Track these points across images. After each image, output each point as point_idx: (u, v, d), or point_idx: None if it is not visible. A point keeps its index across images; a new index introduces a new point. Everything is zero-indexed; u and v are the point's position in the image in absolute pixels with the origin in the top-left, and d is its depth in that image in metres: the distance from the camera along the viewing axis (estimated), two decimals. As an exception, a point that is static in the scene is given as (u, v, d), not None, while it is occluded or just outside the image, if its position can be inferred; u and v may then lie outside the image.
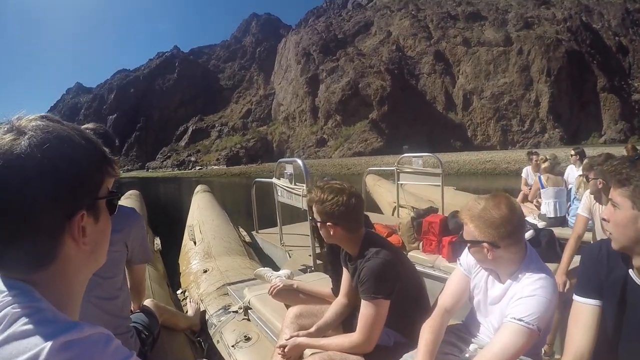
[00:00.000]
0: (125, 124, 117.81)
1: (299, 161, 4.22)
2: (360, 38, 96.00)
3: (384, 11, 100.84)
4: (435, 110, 75.17)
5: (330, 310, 2.30)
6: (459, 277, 1.92)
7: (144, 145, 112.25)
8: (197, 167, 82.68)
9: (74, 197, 0.67)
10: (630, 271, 1.51)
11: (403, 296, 1.88)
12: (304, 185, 4.00)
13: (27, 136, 0.62)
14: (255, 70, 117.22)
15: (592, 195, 3.15)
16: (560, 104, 68.33)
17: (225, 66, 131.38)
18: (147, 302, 2.58)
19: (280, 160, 4.88)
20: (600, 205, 3.05)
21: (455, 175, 30.10)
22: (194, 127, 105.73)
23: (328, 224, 2.01)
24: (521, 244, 1.67)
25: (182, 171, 79.67)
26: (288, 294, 2.77)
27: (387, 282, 1.84)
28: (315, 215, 2.07)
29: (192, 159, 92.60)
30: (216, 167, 77.70)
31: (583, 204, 3.26)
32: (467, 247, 1.75)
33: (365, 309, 1.86)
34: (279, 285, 2.76)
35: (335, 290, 2.53)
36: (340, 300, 2.30)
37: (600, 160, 3.16)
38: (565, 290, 2.85)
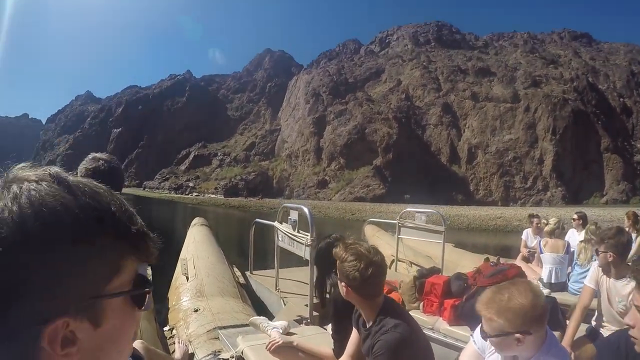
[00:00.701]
0: (128, 139, 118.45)
1: (305, 209, 4.16)
2: (371, 84, 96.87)
3: (396, 60, 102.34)
4: (439, 161, 75.16)
5: None
6: (473, 356, 1.89)
7: (144, 163, 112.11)
8: (195, 194, 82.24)
9: (44, 299, 0.49)
10: None
11: None
12: (309, 234, 3.88)
13: (9, 206, 0.49)
14: (264, 104, 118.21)
15: (600, 268, 3.10)
16: (564, 162, 68.64)
17: (234, 97, 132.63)
18: (137, 345, 2.35)
19: (285, 204, 4.85)
20: (608, 278, 3.02)
21: (465, 230, 29.96)
22: (196, 153, 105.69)
23: (342, 284, 2.01)
24: (545, 325, 1.66)
25: (179, 195, 79.19)
26: (286, 351, 2.69)
27: (402, 357, 1.82)
28: (337, 270, 2.07)
29: (191, 184, 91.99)
30: (213, 195, 77.14)
31: (590, 275, 3.22)
32: (488, 339, 1.68)
33: None
34: (278, 342, 2.69)
35: (337, 352, 2.50)
36: None
37: (611, 234, 3.07)
38: None
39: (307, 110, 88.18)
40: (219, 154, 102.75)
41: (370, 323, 2.02)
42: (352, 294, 2.01)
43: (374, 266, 1.95)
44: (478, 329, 1.84)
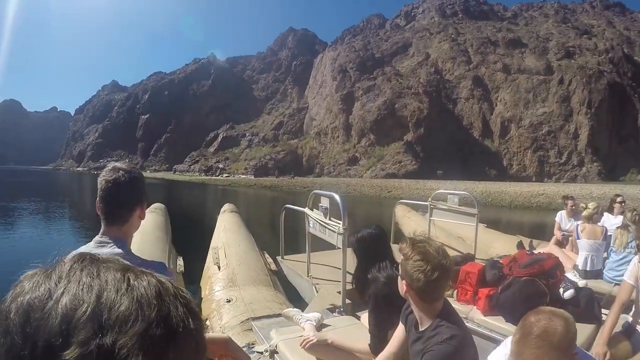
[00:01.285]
0: (156, 125, 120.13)
1: (337, 197, 4.00)
2: (398, 58, 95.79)
3: (423, 33, 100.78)
4: (472, 136, 74.06)
5: None
6: None
7: (173, 147, 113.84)
8: (225, 175, 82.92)
9: None
10: None
11: None
12: (341, 222, 3.80)
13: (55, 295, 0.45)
14: (290, 83, 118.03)
15: None
16: (600, 137, 66.75)
17: (259, 77, 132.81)
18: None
19: (316, 191, 4.70)
20: None
21: (498, 206, 29.22)
22: (224, 135, 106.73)
23: (403, 282, 1.91)
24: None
25: (210, 177, 79.78)
26: (321, 348, 2.66)
27: None
28: (399, 266, 1.97)
29: (220, 165, 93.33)
30: (244, 176, 77.70)
31: (630, 271, 3.10)
32: None
33: None
34: (312, 340, 2.66)
35: (374, 349, 2.44)
36: None
37: None
38: None
39: (334, 87, 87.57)
40: (247, 135, 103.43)
41: (425, 327, 1.90)
42: (411, 294, 1.90)
43: (440, 270, 1.81)
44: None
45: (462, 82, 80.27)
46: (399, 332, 2.18)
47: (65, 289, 0.45)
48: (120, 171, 1.79)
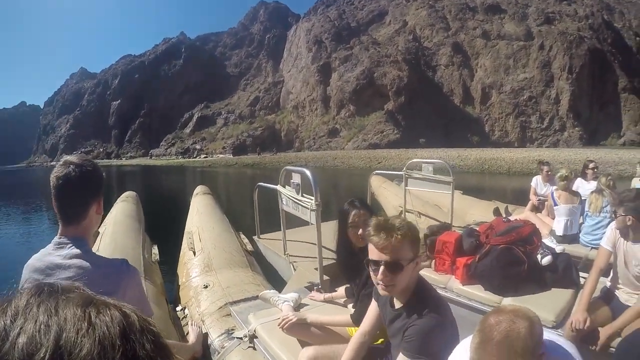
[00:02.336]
0: (129, 110, 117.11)
1: (307, 172, 3.97)
2: (374, 27, 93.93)
3: (399, 0, 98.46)
4: (453, 103, 73.16)
5: (349, 353, 2.13)
6: None
7: (147, 131, 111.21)
8: (203, 156, 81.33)
9: None
10: None
11: (442, 357, 1.75)
12: (313, 198, 3.74)
13: None
14: (264, 57, 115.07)
15: (618, 230, 3.03)
16: (581, 102, 66.77)
17: (232, 53, 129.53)
18: None
19: (287, 167, 4.64)
20: (625, 241, 3.00)
21: (504, 173, 29.07)
22: (199, 115, 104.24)
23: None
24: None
25: (187, 159, 78.20)
26: (299, 328, 2.63)
27: (435, 343, 1.76)
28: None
29: (197, 146, 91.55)
30: (222, 155, 76.07)
31: (607, 237, 3.16)
32: None
33: None
34: (291, 319, 2.63)
35: (356, 318, 2.44)
36: (358, 339, 2.15)
37: (631, 197, 3.00)
38: (585, 327, 2.73)
39: (310, 59, 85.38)
40: (222, 113, 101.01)
41: (401, 304, 1.89)
42: None
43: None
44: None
45: (441, 49, 78.94)
46: (373, 308, 2.16)
47: (21, 328, 0.42)
48: (71, 166, 1.71)
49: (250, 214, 6.00)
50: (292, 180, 4.28)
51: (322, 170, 36.58)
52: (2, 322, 0.42)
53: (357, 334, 2.20)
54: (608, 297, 3.12)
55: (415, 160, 7.47)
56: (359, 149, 60.08)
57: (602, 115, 67.61)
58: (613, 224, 3.14)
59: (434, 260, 4.01)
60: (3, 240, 12.80)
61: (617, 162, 26.23)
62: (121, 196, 7.19)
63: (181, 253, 5.31)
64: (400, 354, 1.81)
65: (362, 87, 72.57)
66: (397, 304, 1.91)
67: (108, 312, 0.44)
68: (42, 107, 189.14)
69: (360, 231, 2.64)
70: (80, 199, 1.64)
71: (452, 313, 1.91)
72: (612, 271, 3.17)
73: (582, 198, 5.34)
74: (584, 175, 6.65)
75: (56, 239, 1.61)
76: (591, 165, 6.66)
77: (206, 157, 78.23)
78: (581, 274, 3.54)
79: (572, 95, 66.46)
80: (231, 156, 72.05)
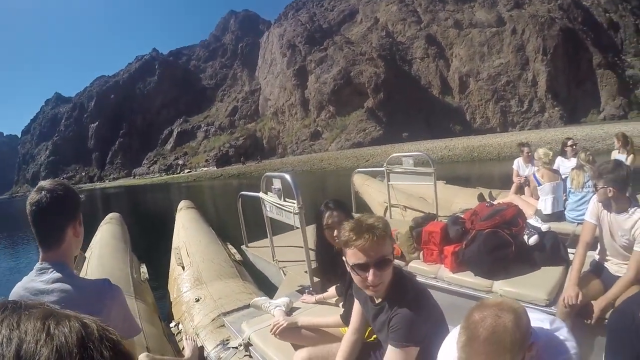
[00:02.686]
0: (107, 131, 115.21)
1: (287, 176, 3.98)
2: (347, 26, 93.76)
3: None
4: (431, 95, 73.24)
5: (342, 352, 2.15)
6: None
7: (128, 151, 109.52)
8: (186, 170, 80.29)
9: None
10: None
11: (431, 342, 1.77)
12: (295, 202, 3.78)
13: None
14: (239, 66, 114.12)
15: (600, 203, 3.06)
16: (558, 82, 67.35)
17: (206, 66, 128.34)
18: (142, 358, 2.35)
19: (267, 174, 4.73)
20: (609, 213, 3.01)
21: (495, 159, 29.55)
22: (179, 130, 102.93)
23: (345, 260, 1.89)
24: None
25: (171, 175, 77.13)
26: (292, 332, 2.68)
27: (421, 329, 1.76)
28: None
29: (180, 162, 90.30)
30: (206, 168, 75.11)
31: (590, 211, 3.19)
32: None
33: (394, 355, 1.78)
34: (282, 324, 2.67)
35: (345, 317, 2.47)
36: (350, 338, 2.17)
37: (610, 168, 2.98)
38: (578, 302, 2.73)
39: (285, 64, 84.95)
40: (202, 126, 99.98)
41: (381, 299, 1.89)
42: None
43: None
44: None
45: (415, 42, 78.96)
46: (357, 308, 2.17)
47: None
48: (43, 191, 1.70)
49: (237, 224, 5.90)
50: (273, 186, 4.30)
51: (310, 173, 36.22)
52: None
53: (348, 332, 2.22)
54: (598, 270, 3.12)
55: (395, 154, 7.39)
56: (343, 149, 59.75)
57: (580, 93, 68.21)
58: (595, 197, 3.15)
59: (422, 252, 4.01)
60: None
61: (604, 137, 26.72)
62: (105, 218, 7.13)
63: (170, 269, 5.32)
64: (389, 345, 1.80)
65: (340, 87, 72.20)
66: (377, 299, 1.92)
67: (67, 323, 0.47)
68: (19, 136, 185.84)
69: (336, 232, 2.50)
70: (54, 224, 1.64)
71: (433, 297, 1.92)
72: (599, 244, 3.18)
73: (564, 176, 5.44)
74: (563, 154, 6.72)
75: (38, 265, 1.62)
76: (569, 142, 6.72)
77: (190, 171, 77.28)
78: (570, 250, 3.52)
79: (548, 76, 66.95)
80: (215, 168, 71.18)
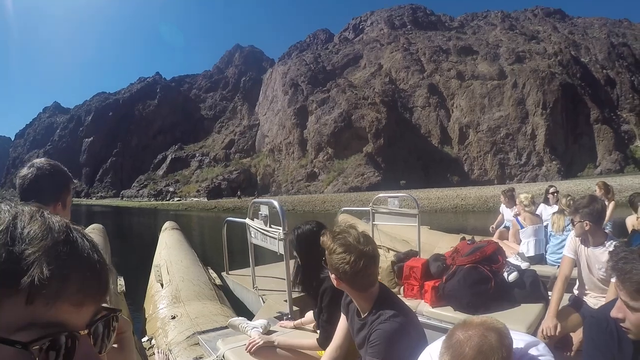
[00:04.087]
0: (101, 148, 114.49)
1: (275, 202, 4.12)
2: (350, 70, 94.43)
3: (374, 44, 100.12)
4: (431, 144, 73.23)
5: None
6: None
7: (119, 171, 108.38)
8: (176, 198, 79.05)
9: None
10: None
11: None
12: (281, 228, 3.84)
13: None
14: (239, 99, 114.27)
15: (578, 238, 3.15)
16: (556, 136, 68.06)
17: (206, 96, 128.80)
18: None
19: (255, 200, 4.80)
20: (586, 247, 3.08)
21: (442, 212, 30.57)
22: (173, 156, 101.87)
23: (332, 275, 1.94)
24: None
25: (161, 202, 75.67)
26: (267, 352, 2.65)
27: (399, 348, 1.80)
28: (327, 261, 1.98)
29: (171, 189, 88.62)
30: (196, 199, 73.95)
31: (568, 246, 3.28)
32: None
33: None
34: (258, 342, 2.63)
35: (322, 342, 2.48)
36: (332, 355, 2.19)
37: (585, 203, 3.10)
38: (557, 333, 2.80)
39: (286, 102, 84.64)
40: (197, 155, 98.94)
41: (366, 313, 1.93)
42: (343, 285, 1.92)
43: (365, 258, 1.83)
44: None
45: (417, 90, 79.39)
46: (342, 323, 2.20)
47: None
48: (32, 168, 1.72)
49: (220, 251, 5.87)
50: (260, 212, 4.32)
51: (310, 214, 35.64)
52: None
53: (329, 348, 2.22)
54: (577, 304, 3.16)
55: (381, 195, 7.59)
56: (340, 192, 59.02)
57: (577, 148, 68.96)
58: (572, 233, 3.21)
59: (402, 287, 4.04)
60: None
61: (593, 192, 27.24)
62: (88, 228, 7.04)
63: (149, 286, 5.30)
64: None
65: (340, 130, 71.90)
66: (363, 314, 1.94)
67: (58, 216, 0.54)
68: (12, 139, 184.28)
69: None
70: (42, 199, 1.63)
71: (417, 318, 1.98)
72: (577, 279, 3.27)
73: (546, 222, 5.61)
74: (546, 201, 6.92)
75: None
76: (551, 190, 7.03)
77: (180, 199, 76.07)
78: (550, 292, 3.41)
79: (547, 130, 67.56)
80: (206, 199, 69.99)
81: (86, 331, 0.52)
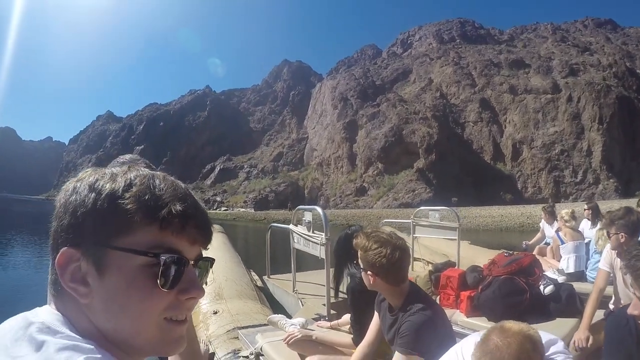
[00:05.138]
0: (151, 157, 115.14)
1: (319, 209, 4.23)
2: (399, 85, 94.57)
3: (423, 59, 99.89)
4: (483, 160, 72.02)
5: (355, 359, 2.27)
6: None
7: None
8: (223, 208, 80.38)
9: (66, 229, 0.62)
10: None
11: (436, 356, 1.83)
12: (323, 234, 3.92)
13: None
14: (288, 113, 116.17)
15: (614, 251, 3.08)
16: (613, 153, 65.30)
17: (255, 109, 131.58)
18: None
19: (299, 207, 4.93)
20: (621, 260, 2.91)
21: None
22: (221, 167, 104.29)
23: (368, 272, 2.03)
24: None
25: (209, 211, 76.44)
26: (305, 344, 2.73)
27: (426, 340, 1.87)
28: (359, 261, 2.10)
29: (218, 199, 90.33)
30: (243, 209, 75.32)
31: (604, 258, 3.23)
32: None
33: None
34: (297, 335, 2.72)
35: (357, 341, 2.55)
36: (363, 350, 2.28)
37: (621, 215, 3.08)
38: (588, 345, 2.80)
39: (335, 116, 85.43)
40: (245, 167, 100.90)
41: (397, 309, 2.03)
42: (378, 281, 2.01)
43: (399, 250, 1.96)
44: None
45: (468, 105, 78.53)
46: (375, 321, 2.28)
47: (126, 172, 0.66)
48: (121, 161, 1.93)
49: (263, 256, 6.10)
50: (303, 219, 4.46)
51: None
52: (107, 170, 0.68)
53: (362, 344, 2.31)
54: None
55: (423, 208, 7.66)
56: (390, 208, 58.70)
57: (635, 164, 65.95)
58: (608, 246, 3.17)
59: (439, 296, 4.07)
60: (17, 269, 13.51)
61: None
62: None
63: None
64: (396, 352, 1.90)
65: (390, 145, 71.63)
66: (395, 310, 2.05)
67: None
68: (67, 144, 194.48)
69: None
70: None
71: (445, 314, 2.06)
72: (613, 293, 3.20)
73: (587, 239, 5.52)
74: (588, 217, 6.71)
75: None
76: (585, 206, 6.79)
77: (227, 209, 77.34)
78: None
79: (604, 145, 65.01)
80: (253, 210, 71.03)
81: (193, 263, 0.67)
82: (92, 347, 0.57)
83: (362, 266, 2.05)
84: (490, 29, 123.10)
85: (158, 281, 0.61)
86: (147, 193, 0.63)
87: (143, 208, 0.62)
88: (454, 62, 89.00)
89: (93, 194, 0.61)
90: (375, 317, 2.27)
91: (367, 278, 2.03)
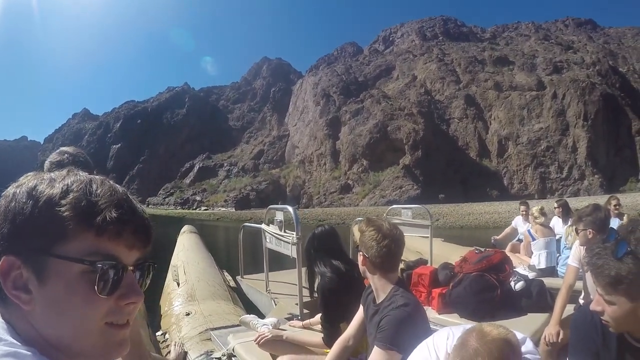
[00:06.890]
0: (128, 155, 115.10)
1: (290, 209, 4.28)
2: (383, 81, 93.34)
3: (406, 55, 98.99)
4: (469, 156, 71.35)
5: (332, 355, 2.28)
6: None
7: (146, 179, 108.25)
8: (203, 208, 78.64)
9: (7, 237, 0.63)
10: (625, 334, 1.66)
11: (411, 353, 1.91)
12: (294, 233, 3.97)
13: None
14: (269, 110, 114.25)
15: (583, 247, 3.15)
16: (598, 149, 65.59)
17: (234, 107, 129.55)
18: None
19: (271, 206, 5.02)
20: None
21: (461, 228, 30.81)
22: (200, 165, 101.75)
23: (360, 252, 2.13)
24: None
25: (189, 210, 75.35)
26: (276, 344, 2.75)
27: (405, 337, 1.89)
28: (358, 244, 2.20)
29: (198, 197, 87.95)
30: (224, 209, 73.28)
31: (573, 254, 3.29)
32: None
33: (377, 356, 1.91)
34: (267, 335, 2.73)
35: (327, 340, 2.58)
36: (342, 344, 2.29)
37: (589, 211, 3.16)
38: (559, 340, 2.87)
39: (317, 112, 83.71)
40: (225, 165, 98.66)
41: (381, 299, 2.08)
42: (368, 265, 2.08)
43: (390, 238, 2.02)
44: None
45: (453, 102, 77.69)
46: (359, 314, 2.31)
47: (65, 177, 0.67)
48: (65, 154, 1.74)
49: (236, 256, 5.92)
50: (275, 218, 4.54)
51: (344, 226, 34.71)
52: (46, 176, 0.69)
53: (341, 338, 2.32)
54: None
55: (395, 206, 7.83)
56: (377, 206, 57.07)
57: (619, 160, 66.32)
58: (577, 242, 3.22)
59: None
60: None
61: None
62: None
63: (165, 284, 5.54)
64: (375, 346, 1.92)
65: (375, 141, 70.29)
66: (379, 300, 2.10)
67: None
68: (42, 143, 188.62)
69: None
70: None
71: (425, 312, 2.11)
72: (582, 289, 3.26)
73: (558, 236, 5.70)
74: (559, 214, 6.88)
75: None
76: (555, 204, 6.95)
77: (207, 209, 75.72)
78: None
79: (589, 142, 65.20)
80: (233, 210, 69.39)
81: (132, 268, 0.68)
82: (31, 353, 0.58)
83: (358, 248, 2.13)
84: (473, 27, 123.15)
85: (96, 288, 0.62)
86: (83, 200, 0.63)
87: (79, 215, 0.62)
88: (438, 59, 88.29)
89: (31, 202, 0.62)
90: (360, 311, 2.29)
91: (360, 259, 2.10)
